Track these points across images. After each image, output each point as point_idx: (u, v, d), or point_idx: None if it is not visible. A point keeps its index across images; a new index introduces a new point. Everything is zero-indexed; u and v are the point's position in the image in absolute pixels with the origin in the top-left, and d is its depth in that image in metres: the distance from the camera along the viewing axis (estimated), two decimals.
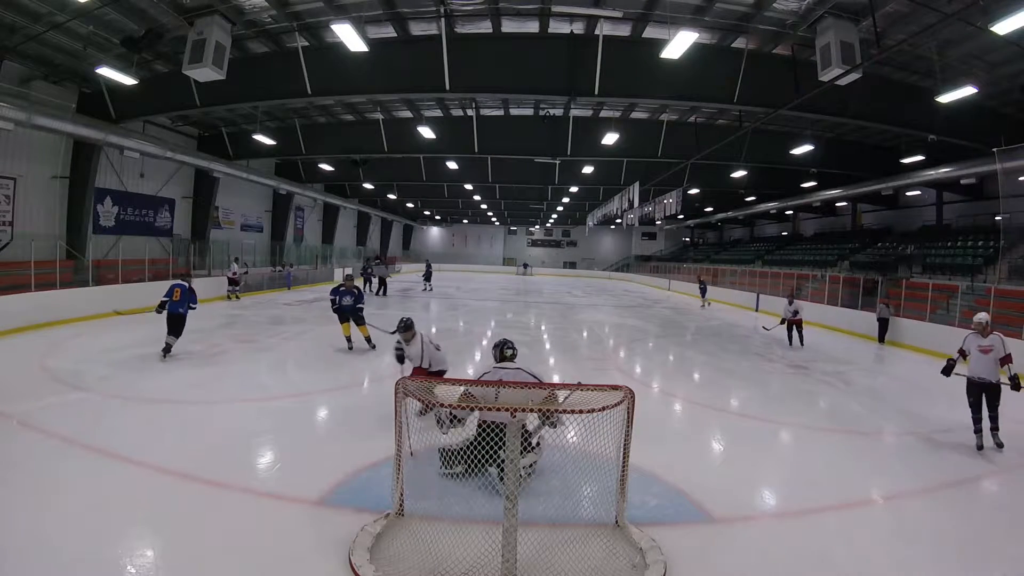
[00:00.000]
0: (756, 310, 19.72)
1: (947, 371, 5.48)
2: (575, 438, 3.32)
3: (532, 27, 10.02)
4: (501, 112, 15.44)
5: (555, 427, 3.66)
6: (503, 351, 4.44)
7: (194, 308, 8.12)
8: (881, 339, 12.59)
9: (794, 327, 11.58)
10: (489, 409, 3.32)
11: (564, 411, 3.04)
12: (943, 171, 14.25)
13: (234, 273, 16.90)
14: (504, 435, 3.11)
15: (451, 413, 4.17)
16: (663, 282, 32.21)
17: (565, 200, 28.46)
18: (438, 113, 15.83)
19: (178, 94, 11.32)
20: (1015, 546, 3.50)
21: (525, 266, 43.96)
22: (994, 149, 11.42)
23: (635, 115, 15.31)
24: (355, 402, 6.49)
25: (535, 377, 4.13)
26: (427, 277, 24.42)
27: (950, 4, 7.00)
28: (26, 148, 12.19)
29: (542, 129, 14.77)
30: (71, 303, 10.83)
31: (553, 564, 2.87)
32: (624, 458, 3.26)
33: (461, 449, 3.82)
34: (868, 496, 4.19)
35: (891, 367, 10.11)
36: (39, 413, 5.16)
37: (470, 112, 15.21)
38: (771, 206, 24.61)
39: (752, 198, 25.62)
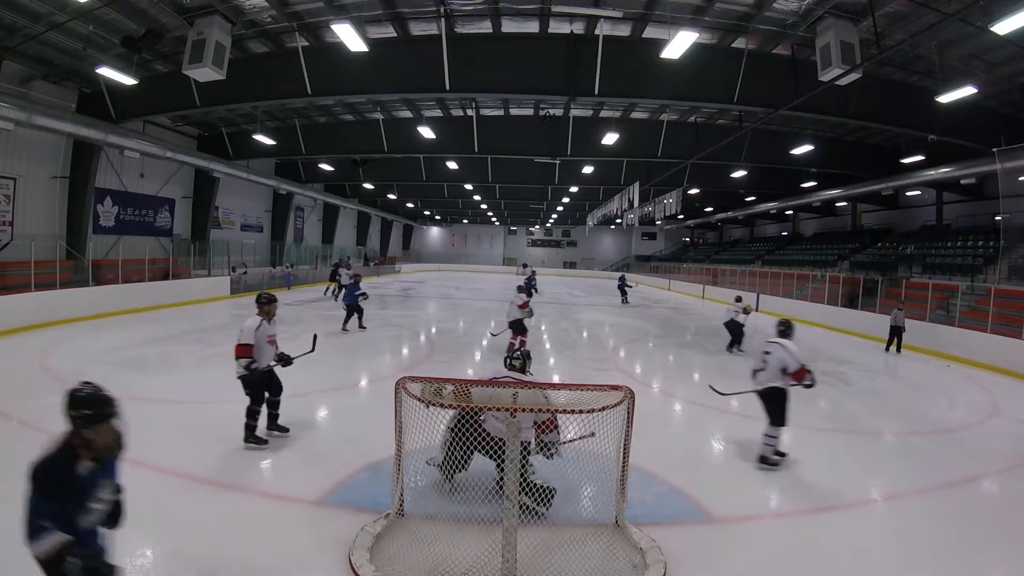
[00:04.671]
0: (756, 310, 19.72)
1: None
2: (575, 438, 3.32)
3: (532, 27, 10.01)
4: (501, 112, 15.44)
5: (550, 458, 3.58)
6: (505, 360, 4.40)
7: (365, 298, 11.18)
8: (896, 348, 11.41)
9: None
10: (487, 410, 3.25)
11: (565, 411, 3.04)
12: (943, 171, 14.24)
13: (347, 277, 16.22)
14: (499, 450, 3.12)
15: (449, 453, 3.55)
16: (663, 282, 32.21)
17: (565, 200, 28.44)
18: (438, 113, 15.83)
19: (178, 94, 11.31)
20: (1015, 546, 3.50)
21: (524, 266, 43.98)
22: (994, 149, 11.42)
23: (635, 115, 15.31)
24: (355, 402, 6.50)
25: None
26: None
27: (950, 4, 7.00)
28: (26, 148, 12.18)
29: (542, 129, 14.76)
30: (71, 303, 10.82)
31: (553, 564, 2.87)
32: (624, 458, 3.26)
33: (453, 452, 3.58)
34: (868, 496, 4.19)
35: (891, 367, 10.11)
36: (39, 413, 5.15)
37: (470, 112, 15.20)
38: (771, 206, 24.60)
39: (752, 198, 25.61)
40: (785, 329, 4.83)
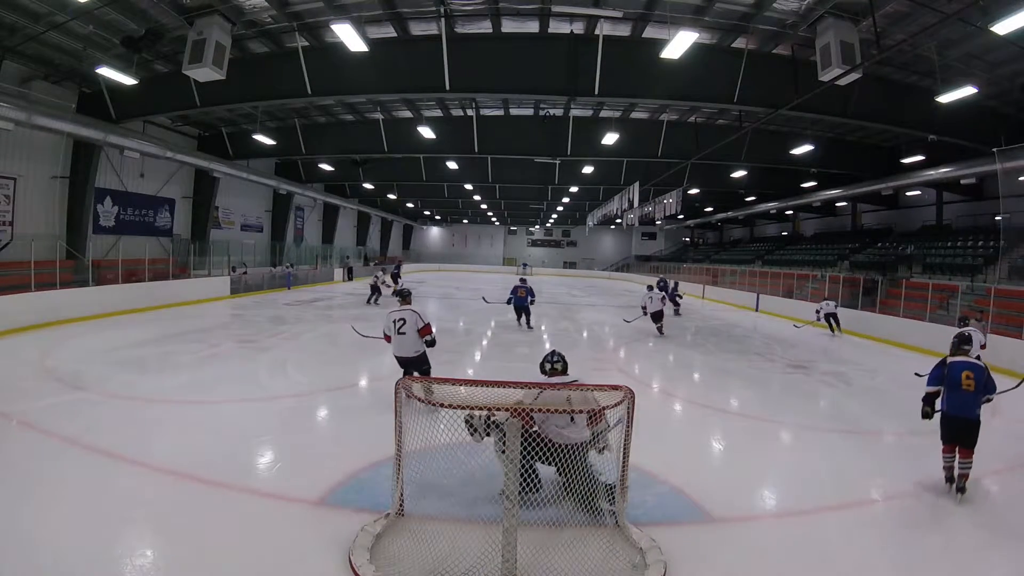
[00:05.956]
0: (756, 310, 19.72)
1: None
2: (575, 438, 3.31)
3: (532, 27, 10.01)
4: (501, 112, 15.44)
5: (601, 453, 3.51)
6: (544, 366, 4.07)
7: (533, 302, 12.41)
8: None
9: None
10: (500, 410, 3.11)
11: (563, 411, 3.04)
12: (943, 171, 14.23)
13: (383, 282, 17.76)
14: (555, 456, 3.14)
15: (488, 419, 3.46)
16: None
17: (565, 200, 28.45)
18: (438, 113, 15.83)
19: (178, 94, 11.32)
20: (1015, 547, 3.50)
21: (524, 265, 44.06)
22: (994, 149, 11.41)
23: (635, 115, 15.31)
24: (355, 402, 6.50)
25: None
26: None
27: (950, 4, 7.00)
28: (26, 148, 12.18)
29: (542, 129, 14.77)
30: (71, 303, 10.82)
31: (553, 564, 2.87)
32: (624, 458, 3.26)
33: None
34: (868, 496, 4.18)
35: (891, 367, 10.10)
36: (39, 413, 5.16)
37: (470, 112, 15.20)
38: (771, 206, 24.60)
39: (752, 198, 25.63)
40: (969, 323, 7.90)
